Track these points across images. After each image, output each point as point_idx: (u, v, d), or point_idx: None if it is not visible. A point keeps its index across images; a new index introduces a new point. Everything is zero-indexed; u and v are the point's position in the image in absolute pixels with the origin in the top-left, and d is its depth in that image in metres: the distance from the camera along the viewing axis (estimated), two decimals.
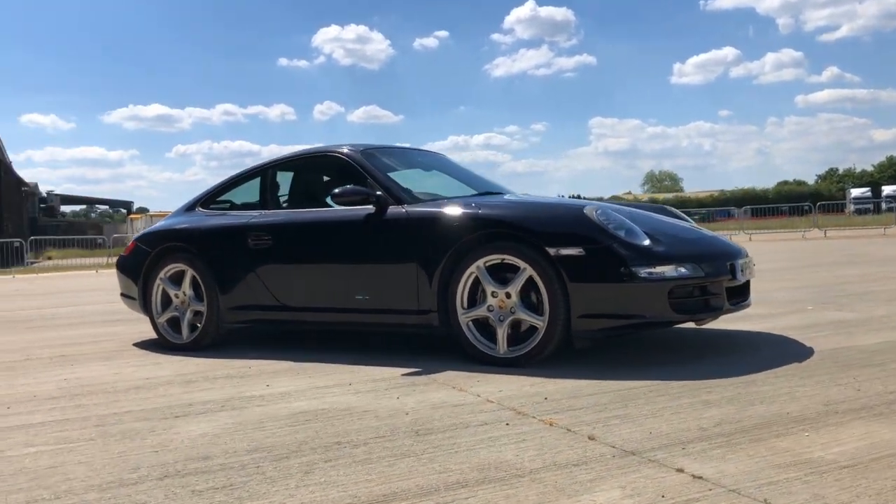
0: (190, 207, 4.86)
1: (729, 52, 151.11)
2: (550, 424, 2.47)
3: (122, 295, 4.94)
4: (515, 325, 3.48)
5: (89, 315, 7.06)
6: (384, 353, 4.03)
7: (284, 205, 4.61)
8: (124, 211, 67.59)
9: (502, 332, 3.47)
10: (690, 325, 3.68)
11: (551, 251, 3.33)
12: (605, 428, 2.40)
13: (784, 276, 8.04)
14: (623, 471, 1.99)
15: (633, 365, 3.41)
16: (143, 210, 58.09)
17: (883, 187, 56.32)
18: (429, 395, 2.97)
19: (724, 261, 3.52)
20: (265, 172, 4.61)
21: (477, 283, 3.55)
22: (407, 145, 5.12)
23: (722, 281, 3.46)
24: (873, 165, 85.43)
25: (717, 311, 3.46)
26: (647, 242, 3.36)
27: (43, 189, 54.31)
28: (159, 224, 4.94)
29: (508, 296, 3.44)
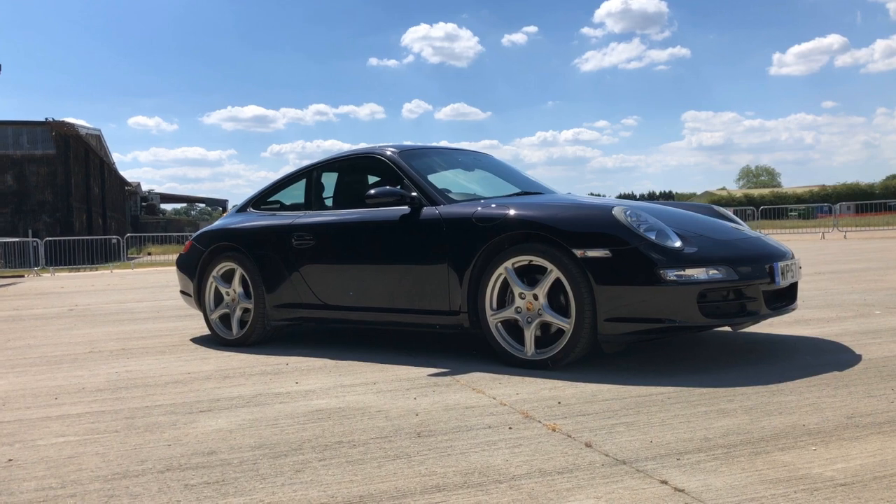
0: (242, 208, 5.03)
1: (834, 39, 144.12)
2: (553, 430, 2.44)
3: (182, 292, 5.17)
4: (544, 327, 3.45)
5: (165, 310, 7.39)
6: (421, 352, 4.07)
7: (329, 205, 4.70)
8: (220, 209, 70.35)
9: (530, 334, 3.44)
10: (728, 329, 3.54)
11: (578, 252, 3.28)
12: (607, 435, 2.35)
13: (863, 278, 7.61)
14: (606, 480, 1.95)
15: (659, 370, 3.32)
16: None
17: None
18: (446, 397, 2.99)
19: (762, 263, 3.37)
20: (310, 174, 4.73)
21: (506, 285, 3.53)
22: (452, 145, 5.13)
23: (759, 285, 3.31)
24: None
25: (753, 316, 3.31)
26: (677, 244, 3.26)
27: (145, 188, 57.31)
28: (213, 224, 5.13)
29: (536, 297, 3.41)
